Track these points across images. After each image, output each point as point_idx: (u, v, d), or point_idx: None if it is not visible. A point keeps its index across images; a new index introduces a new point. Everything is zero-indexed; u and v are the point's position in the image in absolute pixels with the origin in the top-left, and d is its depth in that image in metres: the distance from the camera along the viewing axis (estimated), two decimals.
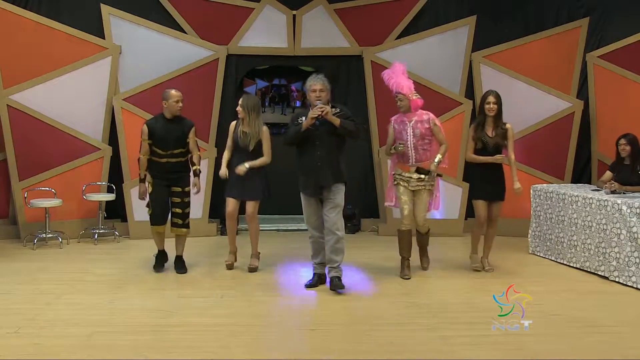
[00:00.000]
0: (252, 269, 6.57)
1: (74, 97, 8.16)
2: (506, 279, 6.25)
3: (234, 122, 6.62)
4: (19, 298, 5.50)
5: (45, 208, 7.72)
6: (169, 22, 8.65)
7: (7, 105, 7.84)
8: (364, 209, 9.14)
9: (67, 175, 8.17)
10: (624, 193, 6.54)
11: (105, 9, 8.38)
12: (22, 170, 7.95)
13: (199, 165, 6.48)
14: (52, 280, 6.13)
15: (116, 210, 8.48)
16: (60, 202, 7.85)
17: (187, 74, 8.51)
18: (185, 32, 8.65)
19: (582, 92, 8.91)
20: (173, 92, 6.31)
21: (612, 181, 6.79)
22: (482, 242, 6.76)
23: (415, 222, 6.49)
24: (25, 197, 7.84)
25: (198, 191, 6.51)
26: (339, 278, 5.80)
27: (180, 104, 6.30)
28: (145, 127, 6.29)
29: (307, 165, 5.80)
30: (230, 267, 6.65)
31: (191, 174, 6.46)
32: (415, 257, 6.68)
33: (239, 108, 6.46)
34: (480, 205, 6.65)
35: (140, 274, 6.43)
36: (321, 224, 5.90)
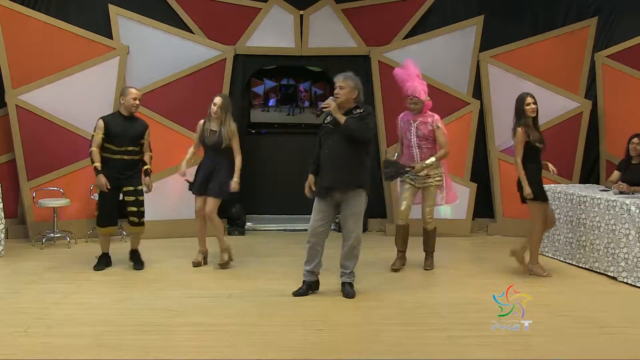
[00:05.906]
0: (224, 265, 6.61)
1: (82, 97, 8.16)
2: (515, 279, 6.20)
3: (202, 121, 6.66)
4: (27, 297, 5.53)
5: (54, 208, 7.74)
6: (176, 22, 8.65)
7: (16, 105, 7.87)
8: (370, 209, 9.07)
9: (75, 175, 8.18)
10: (632, 193, 6.50)
11: (113, 9, 8.39)
12: (31, 170, 7.97)
13: (150, 165, 6.59)
14: (60, 280, 6.16)
15: (123, 211, 8.47)
16: (69, 201, 7.88)
17: (195, 74, 8.52)
18: (192, 33, 8.66)
19: (591, 92, 8.85)
20: (132, 89, 6.46)
21: (620, 182, 6.76)
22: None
23: (422, 218, 6.63)
24: (33, 197, 7.87)
25: (149, 190, 6.61)
26: (351, 285, 5.67)
27: (138, 102, 6.42)
28: (101, 122, 6.37)
29: (321, 165, 5.52)
30: (197, 265, 6.67)
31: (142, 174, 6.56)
32: (416, 255, 6.74)
33: (217, 109, 6.47)
34: (547, 207, 6.55)
35: (148, 273, 6.45)
36: (323, 233, 5.57)
